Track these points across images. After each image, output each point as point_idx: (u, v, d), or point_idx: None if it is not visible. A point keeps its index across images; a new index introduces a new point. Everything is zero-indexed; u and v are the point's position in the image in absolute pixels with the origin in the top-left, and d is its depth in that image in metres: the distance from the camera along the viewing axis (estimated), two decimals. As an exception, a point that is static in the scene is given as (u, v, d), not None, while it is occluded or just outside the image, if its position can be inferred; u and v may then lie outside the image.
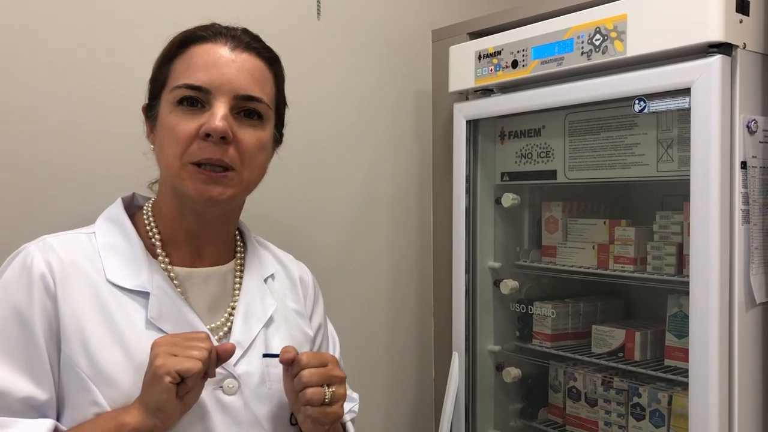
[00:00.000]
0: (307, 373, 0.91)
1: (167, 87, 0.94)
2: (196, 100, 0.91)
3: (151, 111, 0.97)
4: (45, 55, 1.32)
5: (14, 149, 1.29)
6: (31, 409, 0.86)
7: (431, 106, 1.91)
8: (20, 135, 1.30)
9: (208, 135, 0.89)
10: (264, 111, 0.95)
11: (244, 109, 0.93)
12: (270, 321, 1.01)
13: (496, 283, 1.79)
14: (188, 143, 0.90)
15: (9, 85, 1.28)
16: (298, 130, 1.72)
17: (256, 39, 0.98)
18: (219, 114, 0.89)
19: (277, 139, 1.03)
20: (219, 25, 0.97)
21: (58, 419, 0.88)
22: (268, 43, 1.00)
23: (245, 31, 0.98)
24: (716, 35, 1.24)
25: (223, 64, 0.92)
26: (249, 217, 1.10)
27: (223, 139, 0.90)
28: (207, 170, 0.90)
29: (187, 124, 0.90)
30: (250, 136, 0.93)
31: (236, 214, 1.05)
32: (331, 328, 1.18)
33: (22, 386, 0.85)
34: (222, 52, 0.93)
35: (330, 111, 1.77)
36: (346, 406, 1.09)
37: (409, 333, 1.97)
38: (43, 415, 0.87)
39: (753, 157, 1.30)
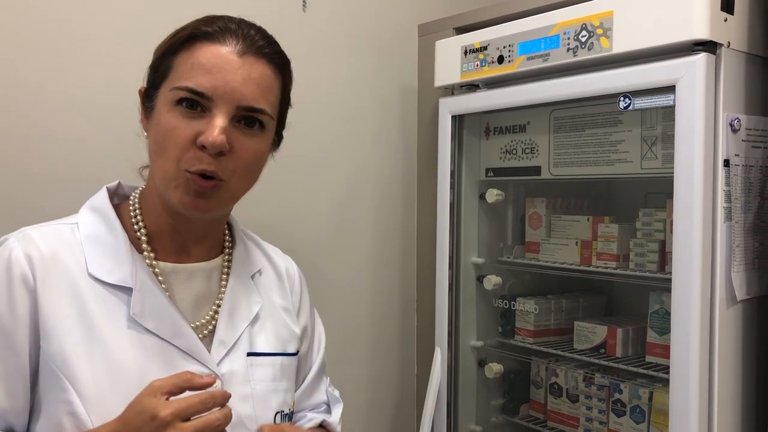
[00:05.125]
0: None
1: (167, 81, 0.89)
2: (197, 102, 0.86)
3: (148, 100, 0.92)
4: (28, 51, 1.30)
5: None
6: None
7: (416, 101, 1.91)
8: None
9: (204, 146, 0.85)
10: (266, 121, 0.91)
11: (245, 117, 0.89)
12: (255, 319, 0.99)
13: (480, 279, 1.79)
14: (185, 149, 0.86)
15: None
16: (282, 123, 1.72)
17: (270, 42, 0.92)
18: (218, 126, 0.85)
19: (276, 142, 0.99)
20: (230, 19, 0.90)
21: (30, 424, 0.85)
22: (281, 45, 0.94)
23: (260, 31, 0.92)
24: (701, 33, 1.24)
25: (228, 71, 0.86)
26: (233, 214, 1.08)
27: (220, 152, 0.86)
28: (200, 180, 0.86)
29: (185, 129, 0.85)
30: (247, 147, 0.89)
31: (225, 216, 1.01)
32: (318, 324, 1.16)
33: None
34: (230, 56, 0.87)
35: (314, 105, 1.75)
36: (335, 411, 1.11)
37: (392, 328, 1.96)
38: (6, 423, 0.83)
39: (735, 155, 1.31)
